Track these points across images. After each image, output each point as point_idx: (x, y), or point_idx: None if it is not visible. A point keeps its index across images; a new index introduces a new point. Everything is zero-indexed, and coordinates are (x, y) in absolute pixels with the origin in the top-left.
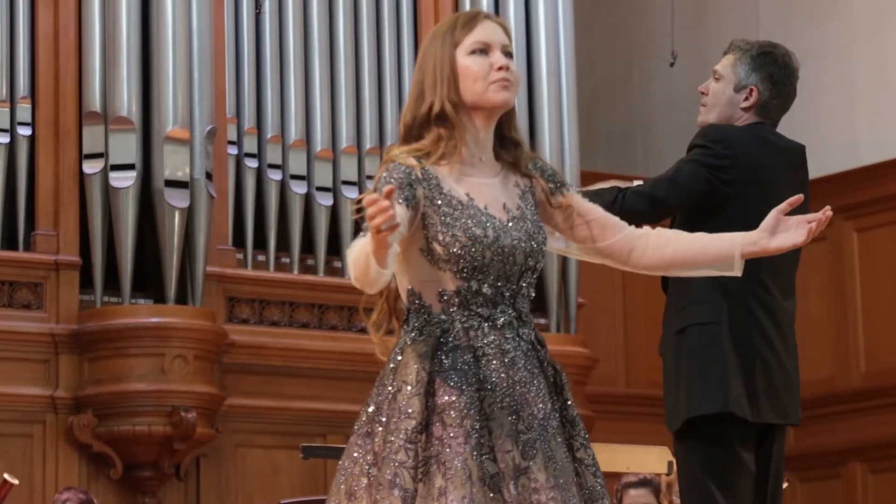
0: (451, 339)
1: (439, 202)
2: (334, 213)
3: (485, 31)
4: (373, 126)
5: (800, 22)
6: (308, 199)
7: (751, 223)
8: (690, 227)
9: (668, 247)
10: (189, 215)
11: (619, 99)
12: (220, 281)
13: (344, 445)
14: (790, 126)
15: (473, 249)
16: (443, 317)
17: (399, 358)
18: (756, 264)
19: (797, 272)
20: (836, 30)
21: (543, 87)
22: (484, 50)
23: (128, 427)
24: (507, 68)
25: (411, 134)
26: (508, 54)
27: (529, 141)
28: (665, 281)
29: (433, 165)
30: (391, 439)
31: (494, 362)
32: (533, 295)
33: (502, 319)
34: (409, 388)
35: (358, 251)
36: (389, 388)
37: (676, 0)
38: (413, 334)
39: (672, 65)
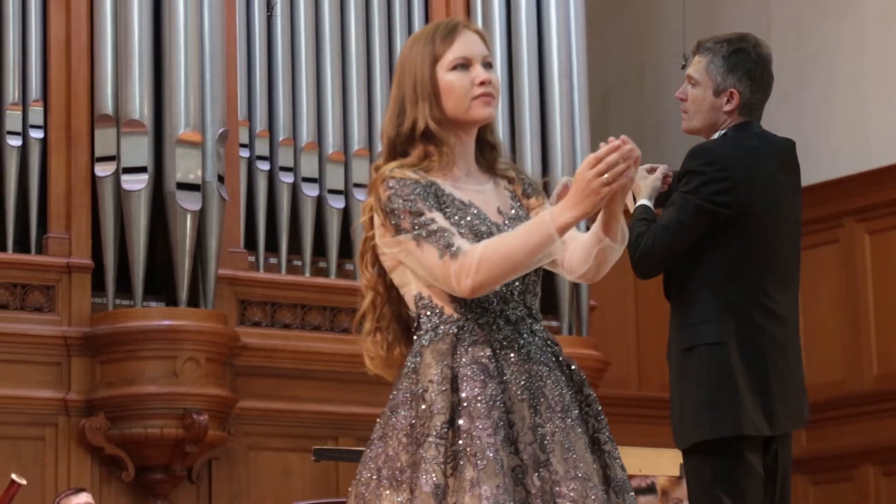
0: (467, 336)
1: (445, 206)
2: (346, 215)
3: (464, 45)
4: None
5: (812, 23)
6: (320, 202)
7: (757, 232)
8: (698, 247)
9: (575, 252)
10: (201, 218)
11: (630, 102)
12: (232, 283)
13: (355, 448)
14: (801, 127)
15: None
16: (456, 315)
17: (417, 360)
18: (760, 275)
19: (808, 275)
20: (848, 31)
21: (555, 89)
22: (465, 65)
23: (140, 430)
24: (489, 82)
25: (396, 149)
26: (488, 65)
27: (541, 143)
28: (668, 287)
29: (429, 176)
30: (423, 434)
31: (512, 356)
32: (539, 293)
33: (515, 315)
34: (434, 385)
35: (502, 242)
36: (409, 392)
37: (688, 2)
38: (429, 335)
39: (684, 67)
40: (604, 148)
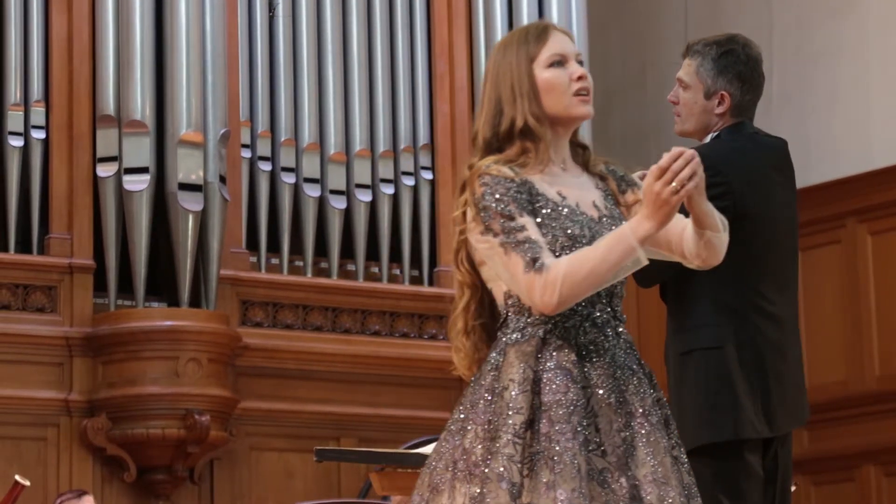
0: (553, 339)
1: (538, 205)
2: (348, 216)
3: (558, 43)
4: (386, 129)
5: (813, 24)
6: (321, 203)
7: (753, 234)
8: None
9: (687, 242)
10: (203, 218)
11: (632, 102)
12: (234, 284)
13: (358, 448)
14: (803, 127)
15: (573, 249)
16: (544, 318)
17: (500, 359)
18: (756, 277)
19: (810, 275)
20: (849, 31)
21: None
22: (561, 62)
23: (142, 430)
24: (586, 77)
25: (492, 148)
26: (581, 63)
27: None
28: (664, 291)
29: (524, 172)
30: (499, 434)
31: (597, 360)
32: (624, 294)
33: (601, 318)
34: (515, 385)
35: (586, 258)
36: (490, 388)
37: (690, 3)
38: (515, 335)
39: None
40: (665, 158)
